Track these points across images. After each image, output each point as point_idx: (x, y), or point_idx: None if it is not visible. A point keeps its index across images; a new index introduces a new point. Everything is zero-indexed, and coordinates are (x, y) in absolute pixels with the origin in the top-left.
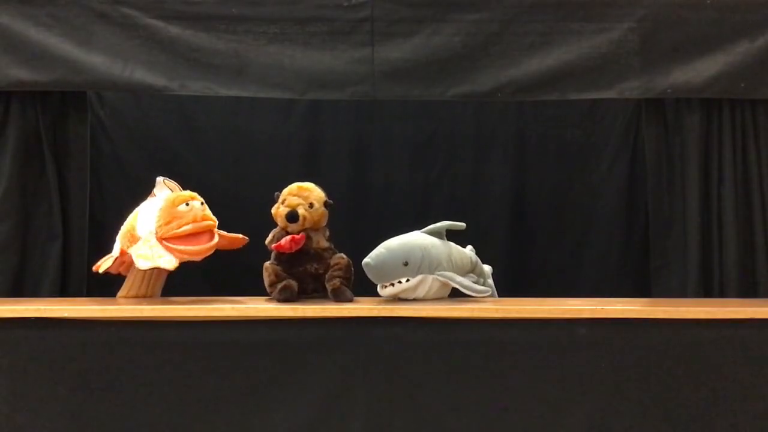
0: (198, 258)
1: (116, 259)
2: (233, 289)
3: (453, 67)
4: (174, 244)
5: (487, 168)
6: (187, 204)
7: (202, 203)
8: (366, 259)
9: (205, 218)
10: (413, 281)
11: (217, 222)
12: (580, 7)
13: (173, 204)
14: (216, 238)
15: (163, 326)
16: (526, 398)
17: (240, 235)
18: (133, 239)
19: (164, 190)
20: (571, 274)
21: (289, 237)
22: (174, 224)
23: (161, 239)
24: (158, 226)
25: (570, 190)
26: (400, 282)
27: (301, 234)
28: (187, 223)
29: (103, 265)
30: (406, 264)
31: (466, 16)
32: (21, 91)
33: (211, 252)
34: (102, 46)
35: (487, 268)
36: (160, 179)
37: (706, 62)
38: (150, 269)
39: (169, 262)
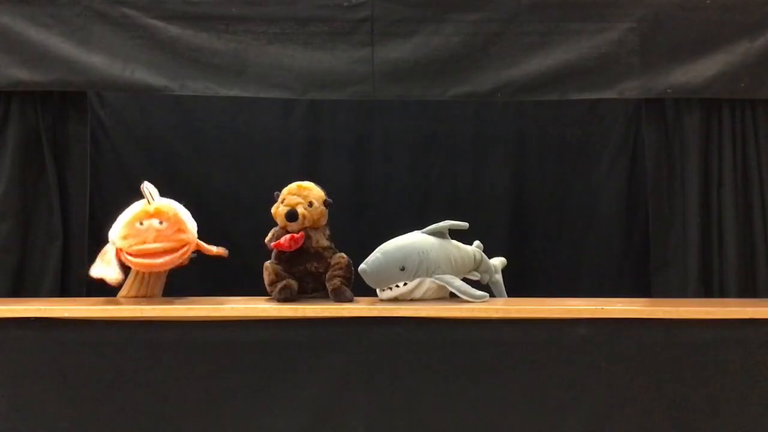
0: (148, 270)
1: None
2: (233, 289)
3: (453, 67)
4: (128, 254)
5: (487, 168)
6: (142, 223)
7: (161, 222)
8: (362, 266)
9: (159, 239)
10: (410, 285)
11: (190, 237)
12: (580, 7)
13: (133, 219)
14: (174, 256)
15: (163, 326)
16: (526, 398)
17: (215, 249)
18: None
19: (144, 198)
20: (571, 274)
21: (288, 235)
22: (127, 242)
23: (119, 250)
24: (117, 237)
25: (570, 190)
26: (397, 286)
27: (300, 233)
28: (138, 243)
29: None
30: (402, 269)
31: (466, 16)
32: (21, 91)
33: (159, 269)
34: (102, 46)
35: (499, 261)
36: (144, 185)
37: (706, 62)
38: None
39: (112, 278)
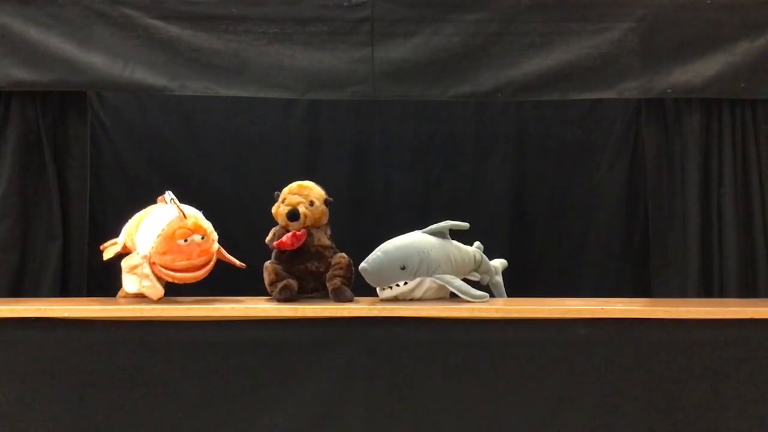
0: (187, 282)
1: (119, 252)
2: (233, 289)
3: (453, 67)
4: (165, 269)
5: (487, 168)
6: (186, 240)
7: (203, 237)
8: (362, 264)
9: (202, 254)
10: (411, 284)
11: (216, 239)
12: (580, 7)
13: (173, 236)
14: (210, 265)
15: (163, 326)
16: (527, 398)
17: (238, 262)
18: (133, 246)
19: (172, 209)
20: (571, 274)
21: (290, 233)
22: (169, 258)
23: (153, 264)
24: (153, 252)
25: (570, 190)
26: (397, 285)
27: (302, 230)
28: (182, 260)
29: (108, 251)
30: (403, 268)
31: (466, 16)
32: (21, 91)
33: (196, 280)
34: (102, 46)
35: (499, 263)
36: (169, 195)
37: (706, 62)
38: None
39: (154, 292)
